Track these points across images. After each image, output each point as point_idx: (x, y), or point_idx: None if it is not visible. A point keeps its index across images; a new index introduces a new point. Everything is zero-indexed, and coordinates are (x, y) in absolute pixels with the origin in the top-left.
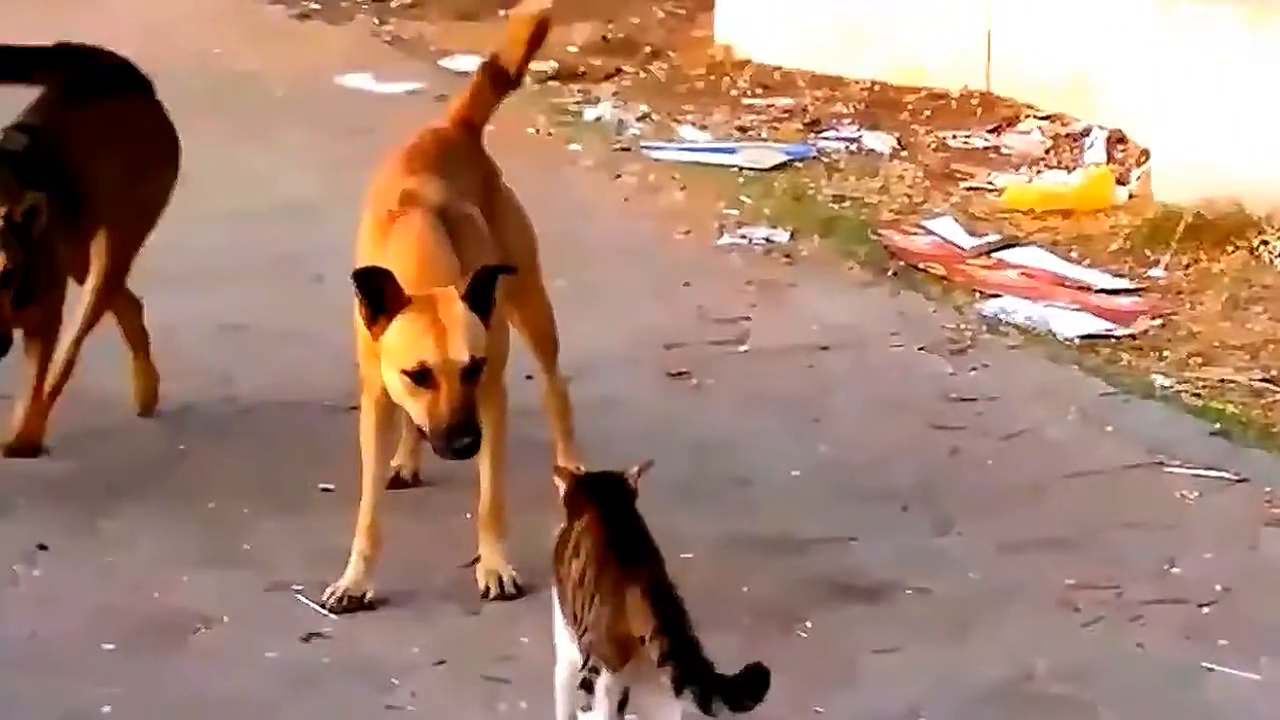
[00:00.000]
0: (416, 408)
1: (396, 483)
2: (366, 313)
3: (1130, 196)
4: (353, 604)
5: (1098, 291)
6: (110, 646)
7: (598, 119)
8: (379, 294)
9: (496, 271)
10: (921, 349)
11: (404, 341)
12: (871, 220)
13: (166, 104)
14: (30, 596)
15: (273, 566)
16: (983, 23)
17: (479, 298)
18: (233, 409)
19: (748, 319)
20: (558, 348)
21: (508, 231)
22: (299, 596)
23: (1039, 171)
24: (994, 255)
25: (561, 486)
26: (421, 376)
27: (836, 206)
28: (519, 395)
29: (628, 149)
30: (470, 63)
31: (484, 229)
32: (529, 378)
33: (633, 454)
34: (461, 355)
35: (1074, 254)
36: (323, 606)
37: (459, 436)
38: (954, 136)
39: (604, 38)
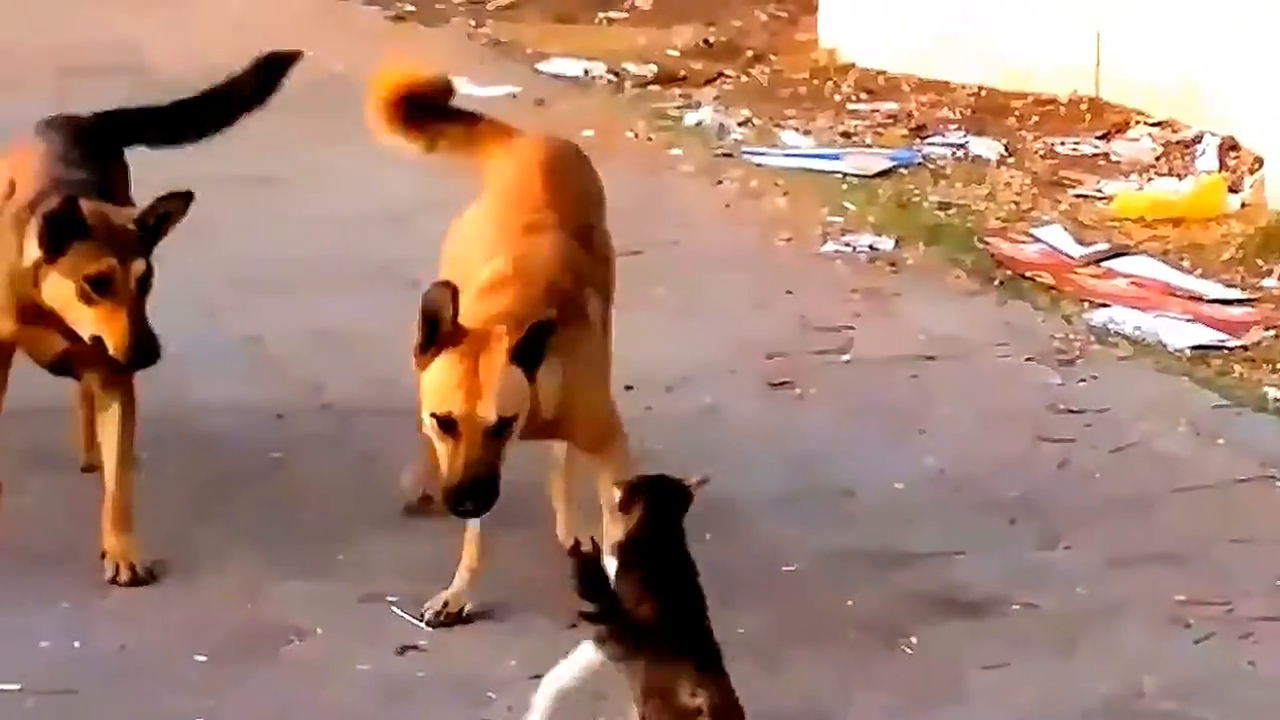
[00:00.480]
0: (440, 451)
1: None
2: (420, 340)
3: (1243, 205)
4: (450, 619)
5: (1209, 302)
6: (202, 658)
7: (698, 124)
8: (434, 326)
9: (550, 327)
10: (1029, 359)
11: (438, 385)
12: (978, 228)
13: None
14: (121, 607)
15: (367, 577)
16: (1091, 27)
17: (529, 352)
18: (327, 417)
19: (851, 328)
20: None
21: (600, 264)
22: (394, 608)
23: (1149, 179)
24: (1103, 264)
25: (618, 494)
26: (446, 425)
27: (942, 214)
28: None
29: (729, 154)
30: (568, 66)
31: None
32: (629, 388)
33: (733, 464)
34: (489, 415)
35: (1185, 263)
36: (420, 619)
37: (463, 499)
38: (1062, 143)
39: (705, 41)
